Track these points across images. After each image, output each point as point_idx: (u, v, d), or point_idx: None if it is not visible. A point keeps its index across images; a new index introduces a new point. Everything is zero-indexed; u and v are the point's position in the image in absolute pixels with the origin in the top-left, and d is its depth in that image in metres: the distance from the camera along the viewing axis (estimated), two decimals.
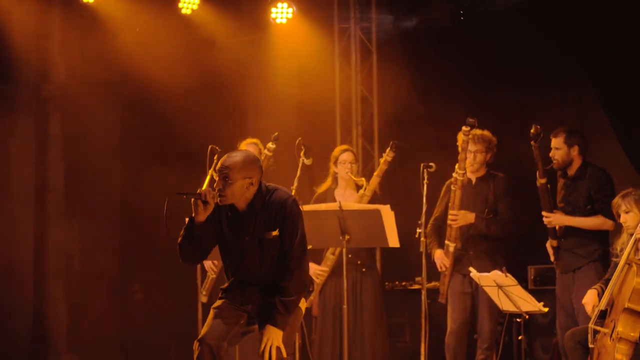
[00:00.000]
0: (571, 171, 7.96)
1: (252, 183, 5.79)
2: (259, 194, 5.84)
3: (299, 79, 10.83)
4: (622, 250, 6.99)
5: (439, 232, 8.21)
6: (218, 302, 5.95)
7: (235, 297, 5.90)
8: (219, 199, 5.71)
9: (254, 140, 8.29)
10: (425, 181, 7.88)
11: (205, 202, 5.67)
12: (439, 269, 8.13)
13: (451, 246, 8.06)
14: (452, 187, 8.01)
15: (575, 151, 7.90)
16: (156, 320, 11.26)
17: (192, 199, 5.67)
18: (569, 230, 7.90)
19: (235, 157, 5.80)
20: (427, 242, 8.13)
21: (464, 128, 7.88)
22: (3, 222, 10.76)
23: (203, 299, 8.20)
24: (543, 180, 7.81)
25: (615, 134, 8.91)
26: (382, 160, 8.26)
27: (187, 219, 5.78)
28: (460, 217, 8.01)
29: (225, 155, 5.83)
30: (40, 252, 10.97)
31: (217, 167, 5.78)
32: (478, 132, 8.01)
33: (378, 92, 10.89)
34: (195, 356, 5.76)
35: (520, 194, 8.33)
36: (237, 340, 5.95)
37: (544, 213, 7.88)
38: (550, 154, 7.92)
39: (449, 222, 8.02)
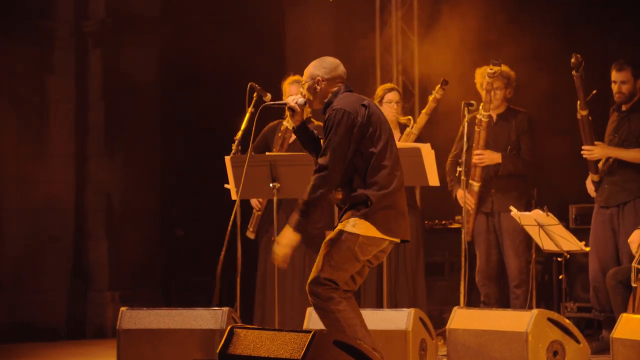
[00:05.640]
0: (627, 104, 7.82)
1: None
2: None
3: (337, 15, 10.73)
4: None
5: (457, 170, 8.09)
6: None
7: None
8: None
9: (298, 77, 8.11)
10: (466, 119, 7.80)
11: (290, 109, 5.77)
12: (466, 208, 7.99)
13: (476, 185, 7.98)
14: (477, 129, 7.92)
15: (639, 84, 7.77)
16: (196, 258, 11.32)
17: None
18: (615, 165, 7.77)
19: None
20: (448, 181, 8.08)
21: (489, 70, 7.77)
22: (43, 160, 10.80)
23: (250, 235, 8.20)
24: (585, 112, 7.67)
25: None
26: (431, 98, 8.12)
27: None
28: (486, 157, 7.94)
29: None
30: (81, 189, 11.01)
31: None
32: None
33: (419, 30, 10.76)
34: None
35: None
36: None
37: (584, 147, 7.75)
38: (616, 89, 7.77)
39: (473, 161, 7.94)
